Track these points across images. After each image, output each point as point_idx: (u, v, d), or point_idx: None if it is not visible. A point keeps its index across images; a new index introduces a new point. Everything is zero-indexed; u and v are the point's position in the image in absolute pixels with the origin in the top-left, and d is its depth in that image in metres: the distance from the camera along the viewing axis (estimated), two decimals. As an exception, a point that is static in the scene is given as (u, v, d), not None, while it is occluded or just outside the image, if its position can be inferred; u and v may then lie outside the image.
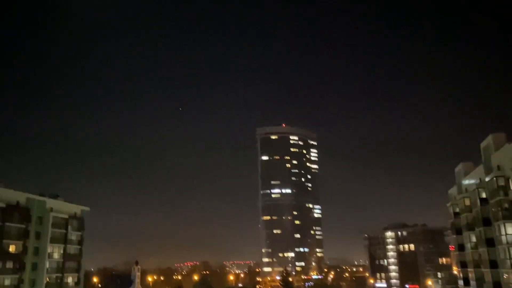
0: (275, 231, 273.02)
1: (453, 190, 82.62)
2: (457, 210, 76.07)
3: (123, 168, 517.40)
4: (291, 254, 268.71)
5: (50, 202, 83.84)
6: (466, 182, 72.77)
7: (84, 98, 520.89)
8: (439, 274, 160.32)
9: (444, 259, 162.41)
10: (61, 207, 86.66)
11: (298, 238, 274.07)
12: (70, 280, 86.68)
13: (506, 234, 53.01)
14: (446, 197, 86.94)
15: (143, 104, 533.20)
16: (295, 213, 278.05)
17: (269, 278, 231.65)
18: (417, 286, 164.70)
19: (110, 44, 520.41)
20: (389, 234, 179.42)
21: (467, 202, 69.36)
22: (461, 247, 74.40)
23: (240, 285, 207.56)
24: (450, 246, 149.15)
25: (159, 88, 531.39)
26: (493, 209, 56.58)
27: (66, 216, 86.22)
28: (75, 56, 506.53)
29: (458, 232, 75.43)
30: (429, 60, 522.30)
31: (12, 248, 71.32)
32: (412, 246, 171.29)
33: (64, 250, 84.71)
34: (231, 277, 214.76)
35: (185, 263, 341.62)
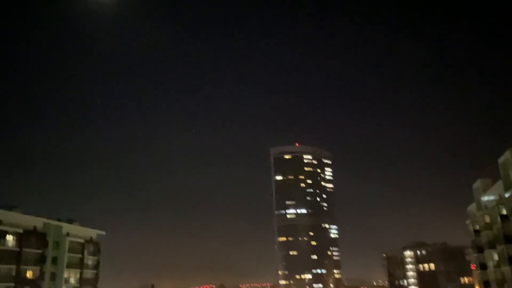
0: (291, 253, 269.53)
1: (472, 207, 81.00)
2: (477, 227, 74.45)
3: (136, 190, 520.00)
4: (308, 276, 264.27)
5: (67, 227, 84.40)
6: (485, 198, 71.34)
7: (98, 121, 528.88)
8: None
9: (466, 279, 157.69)
10: (77, 232, 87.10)
11: (315, 259, 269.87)
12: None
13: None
14: (465, 214, 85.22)
15: (155, 124, 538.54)
16: (311, 233, 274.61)
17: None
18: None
19: (122, 62, 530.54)
20: (408, 253, 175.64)
21: (487, 219, 67.89)
22: (483, 266, 72.47)
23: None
24: (471, 264, 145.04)
25: (172, 107, 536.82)
26: (514, 226, 55.22)
27: (82, 241, 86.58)
28: (84, 77, 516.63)
29: (480, 250, 73.59)
30: (444, 75, 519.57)
31: (29, 274, 71.66)
32: (432, 266, 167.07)
33: (81, 275, 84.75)
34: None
35: (202, 287, 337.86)
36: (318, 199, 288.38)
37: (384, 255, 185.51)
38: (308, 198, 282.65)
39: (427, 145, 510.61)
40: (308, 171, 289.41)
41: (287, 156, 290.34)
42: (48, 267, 77.40)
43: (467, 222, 79.74)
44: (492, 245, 65.98)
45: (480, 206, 73.29)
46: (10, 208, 74.20)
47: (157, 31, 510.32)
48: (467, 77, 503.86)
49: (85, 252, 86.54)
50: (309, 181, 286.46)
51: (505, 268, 59.90)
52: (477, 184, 76.19)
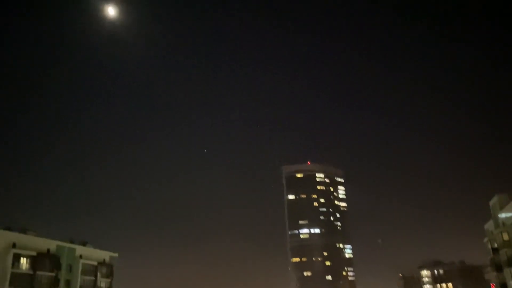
0: (305, 273, 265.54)
1: (489, 225, 79.29)
2: (496, 245, 72.72)
3: (149, 211, 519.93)
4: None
5: (80, 249, 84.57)
6: (503, 215, 69.86)
7: (111, 144, 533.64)
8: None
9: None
10: (90, 254, 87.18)
11: (329, 280, 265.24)
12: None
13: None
14: (483, 232, 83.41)
15: (167, 144, 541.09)
16: (325, 253, 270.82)
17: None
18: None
19: (133, 82, 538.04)
20: (425, 272, 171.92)
21: (506, 236, 66.36)
22: (503, 285, 70.49)
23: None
24: (491, 284, 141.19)
25: (183, 126, 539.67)
26: (534, 244, 53.79)
27: (95, 263, 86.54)
28: (91, 99, 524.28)
29: (499, 269, 71.69)
30: (458, 92, 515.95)
31: (42, 297, 71.60)
32: (450, 285, 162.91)
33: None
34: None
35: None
36: (331, 218, 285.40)
37: (400, 274, 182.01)
38: (322, 217, 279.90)
39: (443, 161, 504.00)
40: (321, 189, 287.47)
41: (299, 175, 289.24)
42: (61, 290, 77.30)
43: (485, 240, 77.93)
44: (511, 264, 64.26)
45: (498, 223, 71.72)
46: (23, 231, 74.79)
47: (169, 48, 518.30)
48: (483, 92, 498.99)
49: (98, 274, 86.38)
50: (322, 200, 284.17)
51: (527, 288, 58.17)
52: (494, 200, 74.73)
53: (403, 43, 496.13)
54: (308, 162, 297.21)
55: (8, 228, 72.03)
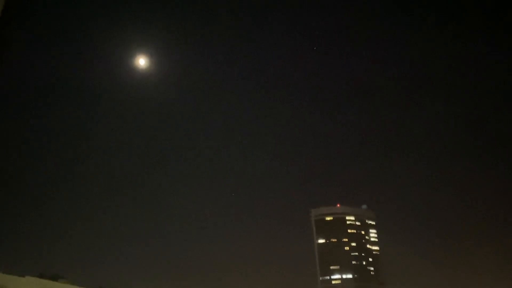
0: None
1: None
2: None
3: (172, 257, 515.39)
4: None
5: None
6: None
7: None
8: None
9: None
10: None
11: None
12: None
13: None
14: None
15: (194, 189, 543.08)
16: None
17: None
18: None
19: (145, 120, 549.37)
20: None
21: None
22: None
23: None
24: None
25: (212, 171, 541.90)
26: None
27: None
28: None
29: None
30: (484, 124, 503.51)
31: None
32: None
33: None
34: None
35: None
36: (364, 262, 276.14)
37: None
38: (354, 262, 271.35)
39: (474, 199, 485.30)
40: (352, 233, 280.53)
41: (328, 218, 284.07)
42: None
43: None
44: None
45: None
46: (55, 278, 75.50)
47: (190, 84, 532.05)
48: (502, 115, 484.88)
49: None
50: (353, 244, 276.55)
51: None
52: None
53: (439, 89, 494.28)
54: (338, 205, 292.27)
55: (41, 276, 72.95)
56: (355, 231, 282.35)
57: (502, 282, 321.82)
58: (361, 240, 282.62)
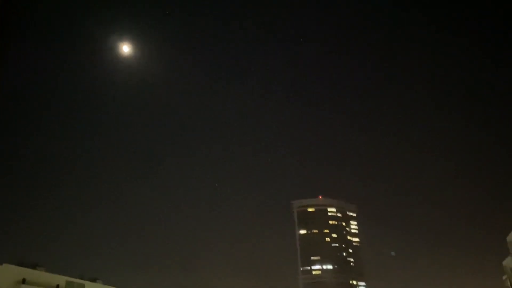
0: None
1: (508, 262, 76.98)
2: (515, 283, 70.32)
3: (156, 247, 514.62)
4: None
5: (89, 286, 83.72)
6: (521, 252, 67.93)
7: (122, 178, 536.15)
8: None
9: None
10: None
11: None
12: None
13: None
14: (501, 269, 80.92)
15: (177, 179, 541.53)
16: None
17: None
18: None
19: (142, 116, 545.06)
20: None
21: (525, 274, 64.21)
22: (525, 326, 67.60)
23: None
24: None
25: (194, 162, 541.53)
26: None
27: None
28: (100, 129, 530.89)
29: (520, 308, 69.05)
30: (472, 124, 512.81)
31: (49, 335, 70.46)
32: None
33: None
34: None
35: None
36: (344, 254, 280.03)
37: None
38: (334, 253, 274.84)
39: (459, 195, 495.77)
40: (333, 224, 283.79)
41: (310, 209, 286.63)
42: (69, 327, 76.06)
43: (504, 277, 75.51)
44: (533, 303, 61.96)
45: (517, 260, 69.69)
46: (34, 266, 74.64)
47: (179, 84, 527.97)
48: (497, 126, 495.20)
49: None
50: (334, 235, 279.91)
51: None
52: None
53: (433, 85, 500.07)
54: (320, 197, 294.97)
55: (19, 264, 72.08)
56: (336, 223, 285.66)
57: (480, 275, 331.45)
58: (342, 232, 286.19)
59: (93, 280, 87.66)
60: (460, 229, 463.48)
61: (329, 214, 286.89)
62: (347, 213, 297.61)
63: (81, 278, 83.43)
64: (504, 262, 79.45)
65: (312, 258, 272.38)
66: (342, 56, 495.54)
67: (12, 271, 69.21)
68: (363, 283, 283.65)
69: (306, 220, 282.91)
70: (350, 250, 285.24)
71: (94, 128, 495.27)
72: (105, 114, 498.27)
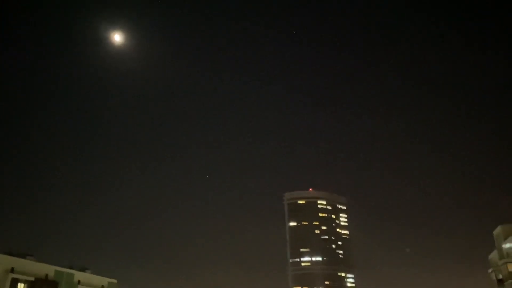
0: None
1: (493, 255, 78.27)
2: (501, 276, 71.52)
3: (147, 238, 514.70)
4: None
5: (78, 275, 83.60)
6: (507, 246, 69.08)
7: (112, 170, 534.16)
8: None
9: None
10: (89, 280, 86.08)
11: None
12: None
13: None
14: (487, 263, 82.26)
15: (167, 172, 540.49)
16: (327, 282, 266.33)
17: None
18: None
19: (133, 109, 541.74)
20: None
21: (510, 268, 65.37)
22: (509, 318, 68.85)
23: None
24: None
25: (183, 154, 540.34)
26: (539, 275, 52.97)
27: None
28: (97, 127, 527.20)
29: (504, 301, 70.30)
30: (460, 120, 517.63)
31: (38, 324, 70.33)
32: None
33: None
34: None
35: None
36: (333, 246, 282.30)
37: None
38: (323, 245, 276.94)
39: (447, 189, 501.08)
40: (323, 217, 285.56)
41: (301, 202, 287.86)
42: (58, 316, 75.98)
43: (489, 271, 76.79)
44: (517, 296, 63.15)
45: (502, 254, 70.79)
46: (22, 255, 74.20)
47: (169, 81, 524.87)
48: (480, 121, 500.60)
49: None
50: (323, 228, 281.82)
51: (533, 321, 56.96)
52: (498, 230, 74.04)
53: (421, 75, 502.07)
54: (310, 189, 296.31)
55: (8, 253, 71.59)
56: (326, 215, 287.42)
57: (466, 268, 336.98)
58: (332, 224, 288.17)
59: (83, 269, 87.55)
60: (447, 223, 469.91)
61: (319, 206, 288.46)
62: (337, 205, 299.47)
63: (71, 268, 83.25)
64: (490, 256, 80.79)
65: (301, 250, 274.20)
66: (333, 48, 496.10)
67: (1, 260, 68.79)
68: (351, 275, 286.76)
69: (296, 212, 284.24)
70: (339, 243, 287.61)
71: (87, 120, 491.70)
72: (100, 108, 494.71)
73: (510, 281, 65.17)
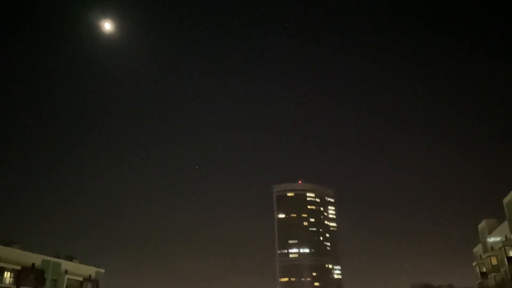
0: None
1: (478, 249, 79.56)
2: (484, 269, 72.79)
3: (135, 227, 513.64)
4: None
5: (65, 264, 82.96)
6: (491, 239, 70.22)
7: (100, 159, 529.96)
8: None
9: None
10: (76, 269, 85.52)
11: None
12: None
13: (538, 295, 50.17)
14: (472, 256, 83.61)
15: (156, 161, 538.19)
16: (314, 274, 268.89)
17: None
18: None
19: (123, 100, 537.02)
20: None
21: (494, 261, 66.54)
22: (491, 310, 70.24)
23: None
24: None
25: (173, 144, 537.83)
26: (522, 269, 54.00)
27: (81, 279, 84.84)
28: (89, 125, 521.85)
29: (487, 293, 71.65)
30: (448, 115, 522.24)
31: (25, 313, 69.86)
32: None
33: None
34: None
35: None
36: (321, 238, 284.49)
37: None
38: (311, 237, 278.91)
39: (432, 184, 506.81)
40: (311, 209, 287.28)
41: (290, 194, 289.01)
42: (45, 305, 75.57)
43: (474, 264, 78.06)
44: (500, 288, 64.37)
45: (486, 247, 72.00)
46: (8, 244, 73.38)
47: (157, 71, 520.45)
48: (470, 115, 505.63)
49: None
50: (312, 220, 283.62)
51: (515, 313, 58.18)
52: (483, 224, 75.21)
53: (410, 66, 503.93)
54: (299, 181, 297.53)
55: (-7, 241, 70.77)
56: (314, 208, 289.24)
57: (458, 264, 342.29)
58: (320, 216, 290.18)
59: (70, 259, 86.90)
60: (433, 216, 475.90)
61: (308, 199, 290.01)
62: (326, 198, 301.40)
63: (57, 257, 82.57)
64: (475, 249, 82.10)
65: (289, 241, 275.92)
66: (324, 41, 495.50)
67: (-14, 249, 68.04)
68: (338, 267, 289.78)
69: (285, 204, 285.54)
70: (327, 235, 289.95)
71: (74, 112, 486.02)
72: (88, 100, 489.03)
73: (493, 274, 66.35)
